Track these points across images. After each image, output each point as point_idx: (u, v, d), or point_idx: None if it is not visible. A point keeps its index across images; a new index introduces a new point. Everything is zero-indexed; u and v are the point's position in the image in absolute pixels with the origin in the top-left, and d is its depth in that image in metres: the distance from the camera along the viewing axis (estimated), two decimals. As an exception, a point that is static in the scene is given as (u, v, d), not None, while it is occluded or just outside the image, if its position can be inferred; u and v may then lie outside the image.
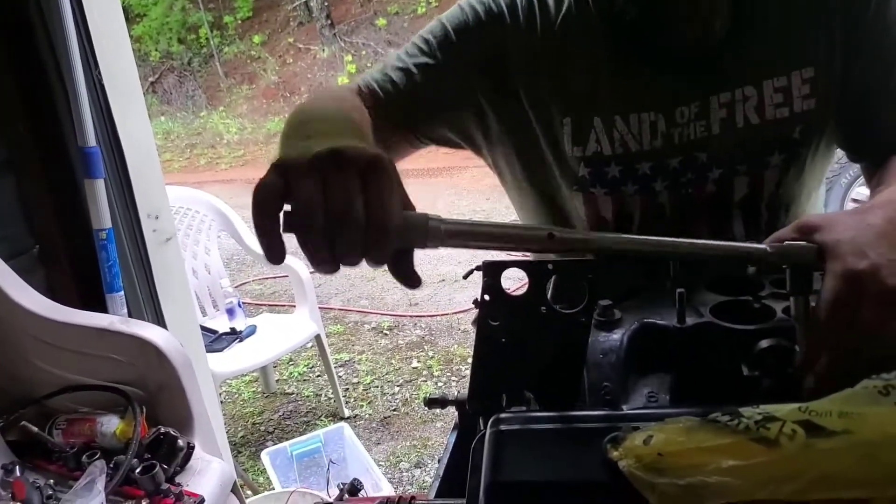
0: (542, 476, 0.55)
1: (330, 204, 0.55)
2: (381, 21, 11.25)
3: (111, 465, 1.06)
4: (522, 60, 0.96)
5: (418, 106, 0.98)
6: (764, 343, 0.65)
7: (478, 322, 0.68)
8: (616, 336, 0.70)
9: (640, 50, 0.91)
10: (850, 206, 3.58)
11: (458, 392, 0.88)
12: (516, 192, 1.08)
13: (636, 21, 0.89)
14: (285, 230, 0.57)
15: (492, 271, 0.65)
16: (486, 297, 0.66)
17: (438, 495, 0.81)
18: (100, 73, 1.56)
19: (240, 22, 12.61)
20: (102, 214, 1.55)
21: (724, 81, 0.91)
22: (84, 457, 1.09)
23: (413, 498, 0.77)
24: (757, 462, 0.47)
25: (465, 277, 0.70)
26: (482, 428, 0.65)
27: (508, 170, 1.05)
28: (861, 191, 3.51)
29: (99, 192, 1.54)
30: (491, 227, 0.60)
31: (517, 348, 0.67)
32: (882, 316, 0.59)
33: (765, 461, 0.47)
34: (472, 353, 0.69)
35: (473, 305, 0.69)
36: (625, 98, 0.93)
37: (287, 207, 0.57)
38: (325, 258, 0.57)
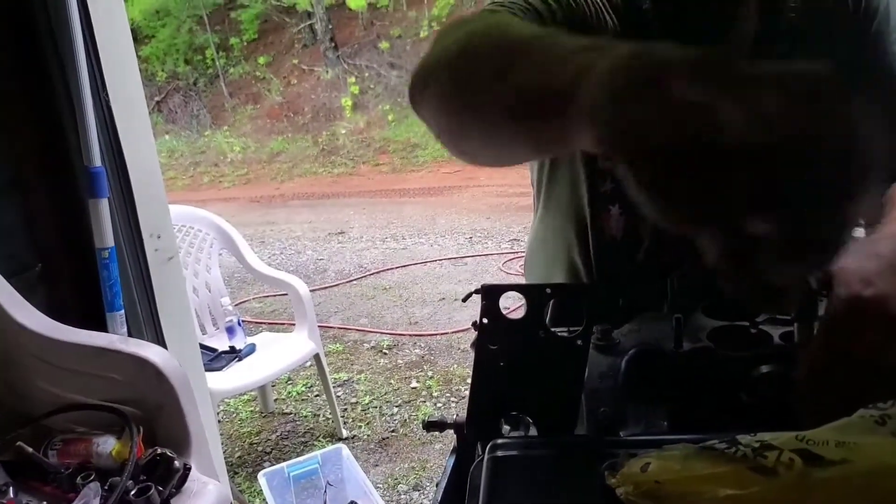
0: (539, 502, 0.55)
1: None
2: (385, 44, 11.36)
3: (106, 487, 1.05)
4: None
5: None
6: (761, 369, 0.65)
7: (476, 346, 0.68)
8: (614, 361, 0.70)
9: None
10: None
11: (457, 415, 0.88)
12: (547, 192, 1.09)
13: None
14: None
15: (490, 295, 0.66)
16: (485, 321, 0.66)
17: (436, 520, 0.80)
18: (107, 94, 1.57)
19: (245, 44, 12.73)
20: (105, 233, 1.55)
21: None
22: (79, 478, 1.08)
23: (410, 522, 0.77)
24: (754, 491, 0.47)
25: (464, 301, 0.70)
26: (480, 453, 0.65)
27: (549, 170, 1.06)
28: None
29: (103, 212, 1.55)
30: None
31: (515, 372, 0.67)
32: (884, 345, 0.59)
33: (762, 490, 0.47)
34: (470, 374, 0.69)
35: (473, 328, 0.69)
36: None
37: None
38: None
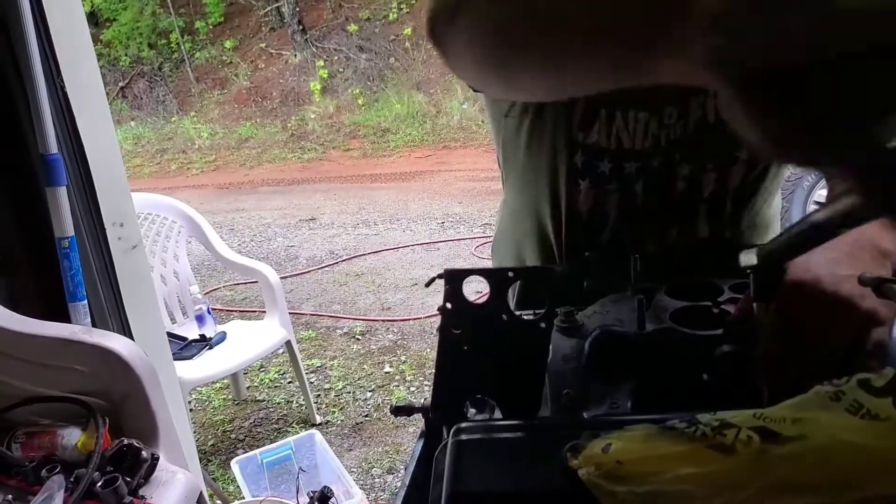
0: (503, 486, 0.55)
1: None
2: (353, 27, 11.24)
3: (72, 479, 1.03)
4: None
5: None
6: (723, 348, 0.66)
7: (440, 330, 0.68)
8: (577, 342, 0.70)
9: None
10: (812, 208, 3.65)
11: (425, 399, 0.88)
12: (514, 169, 1.07)
13: None
14: None
15: (453, 279, 0.65)
16: (448, 305, 0.66)
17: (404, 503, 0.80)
18: (62, 79, 1.53)
19: (211, 27, 12.50)
20: (65, 222, 1.52)
21: None
22: (44, 471, 1.06)
23: (378, 508, 0.77)
24: (713, 469, 0.48)
25: (427, 286, 0.69)
26: (445, 436, 0.65)
27: (515, 137, 1.03)
28: (823, 193, 3.58)
29: (61, 200, 1.51)
30: None
31: (479, 356, 0.67)
32: (823, 323, 0.62)
33: (721, 468, 0.48)
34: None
35: (438, 312, 0.69)
36: (628, 93, 0.93)
37: None
38: None
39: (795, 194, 3.64)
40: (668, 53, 0.36)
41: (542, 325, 0.65)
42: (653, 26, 0.37)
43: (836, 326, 0.62)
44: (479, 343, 0.66)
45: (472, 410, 0.70)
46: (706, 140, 0.93)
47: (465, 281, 0.69)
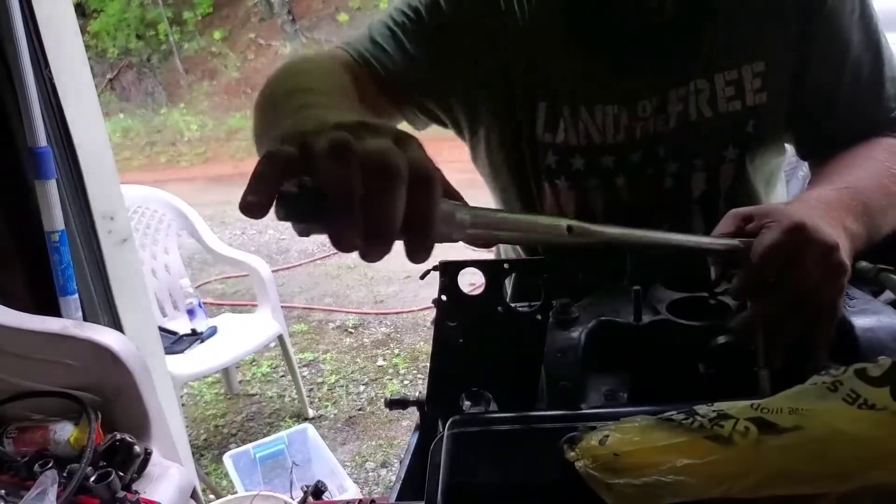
0: (500, 478, 0.55)
1: (373, 186, 0.45)
2: (343, 17, 11.17)
3: (65, 474, 1.03)
4: (508, 39, 0.94)
5: (410, 80, 0.93)
6: (719, 339, 0.66)
7: (435, 323, 0.67)
8: (573, 334, 0.70)
9: (601, 40, 0.92)
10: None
11: (420, 392, 0.88)
12: (492, 177, 1.07)
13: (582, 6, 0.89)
14: (290, 211, 0.46)
15: (448, 271, 0.65)
16: (443, 298, 0.65)
17: (399, 498, 0.80)
18: (50, 71, 1.51)
19: (200, 18, 12.40)
20: (55, 216, 1.51)
21: (680, 75, 0.91)
22: (36, 466, 1.06)
23: (373, 501, 0.77)
24: (711, 460, 0.48)
25: (421, 278, 0.69)
26: (441, 429, 0.65)
27: (487, 153, 1.03)
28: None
29: (51, 193, 1.50)
30: (515, 217, 0.55)
31: (475, 348, 0.66)
32: (818, 269, 0.63)
33: (718, 459, 0.48)
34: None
35: (433, 305, 0.68)
36: (590, 89, 0.93)
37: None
38: (350, 244, 0.46)
39: (791, 184, 3.65)
40: None
41: (539, 317, 0.64)
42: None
43: (833, 279, 0.63)
44: (475, 335, 0.66)
45: (468, 403, 0.70)
46: (690, 136, 0.93)
47: (459, 273, 0.68)
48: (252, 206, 0.45)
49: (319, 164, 0.45)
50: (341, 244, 0.46)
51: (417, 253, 0.49)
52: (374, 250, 0.47)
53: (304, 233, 0.47)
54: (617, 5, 0.89)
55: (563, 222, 0.55)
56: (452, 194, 0.52)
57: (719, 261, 0.69)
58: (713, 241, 0.68)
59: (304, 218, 0.46)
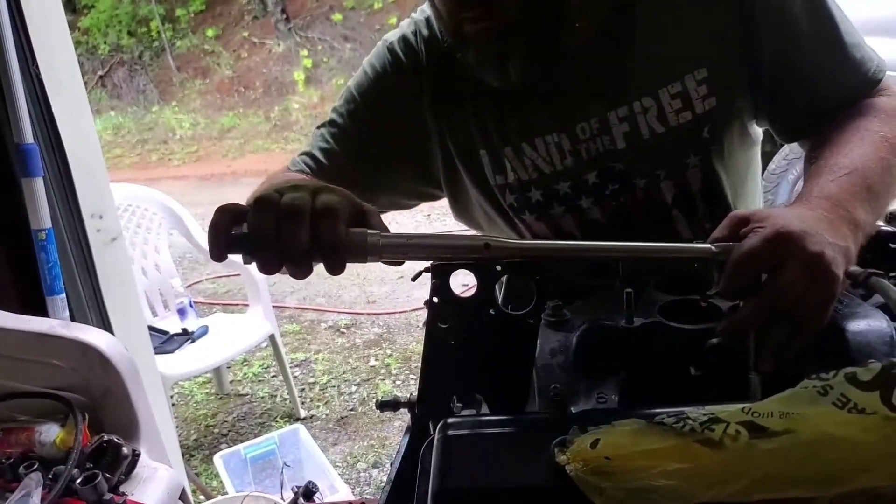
0: (491, 482, 0.54)
1: (282, 224, 0.63)
2: (337, 16, 11.15)
3: (50, 476, 1.02)
4: (433, 101, 0.97)
5: (354, 182, 0.90)
6: (710, 342, 0.66)
7: (427, 325, 0.67)
8: (565, 337, 0.69)
9: (520, 78, 0.87)
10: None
11: (411, 394, 0.87)
12: (471, 227, 1.11)
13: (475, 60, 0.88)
14: (234, 249, 0.65)
15: (440, 273, 0.65)
16: (435, 300, 0.65)
17: (390, 500, 0.80)
18: (37, 67, 1.50)
19: (192, 15, 12.35)
20: (42, 214, 1.49)
21: (619, 95, 0.91)
22: (21, 467, 1.04)
23: (363, 503, 0.76)
24: (701, 464, 0.48)
25: (413, 280, 0.69)
26: (432, 432, 0.64)
27: (457, 210, 1.09)
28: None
29: (38, 191, 1.49)
30: (430, 238, 0.65)
31: (466, 350, 0.66)
32: (802, 280, 0.61)
33: (709, 463, 0.48)
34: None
35: (425, 306, 0.68)
36: (525, 124, 0.94)
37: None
38: (273, 269, 0.67)
39: (780, 187, 3.66)
40: None
41: (530, 319, 0.64)
42: None
43: (819, 288, 0.62)
44: (467, 337, 0.66)
45: (459, 405, 0.70)
46: (646, 153, 0.92)
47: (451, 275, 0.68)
48: (214, 254, 0.65)
49: (250, 213, 0.65)
50: (264, 268, 0.66)
51: (332, 270, 0.67)
52: (294, 271, 0.67)
53: (246, 261, 0.66)
54: (523, 42, 0.85)
55: (481, 240, 0.64)
56: (374, 225, 0.67)
57: (695, 265, 0.68)
58: (682, 247, 0.67)
59: (243, 251, 0.65)
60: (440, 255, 0.65)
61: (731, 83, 0.90)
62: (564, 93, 0.91)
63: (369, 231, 0.65)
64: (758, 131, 1.01)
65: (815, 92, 0.90)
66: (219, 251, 0.64)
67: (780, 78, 0.90)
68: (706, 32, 0.89)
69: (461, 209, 1.07)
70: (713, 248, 0.64)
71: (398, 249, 0.64)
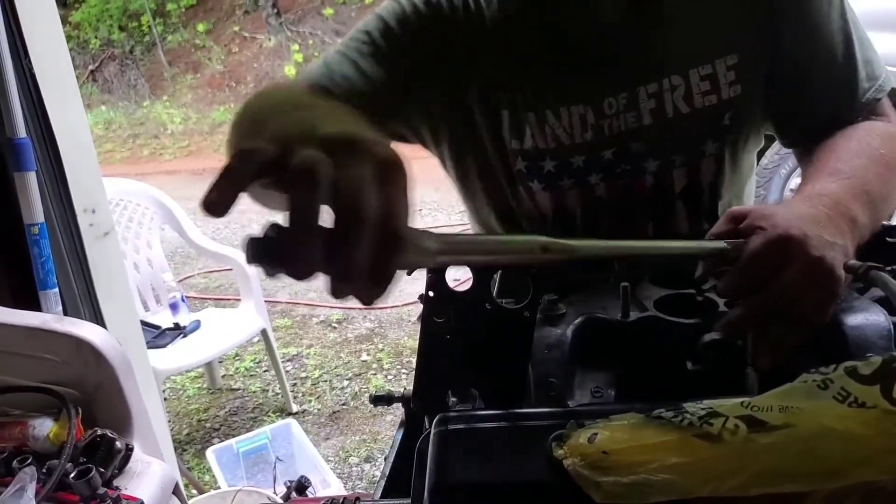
0: (487, 476, 0.54)
1: (340, 204, 0.42)
2: (329, 10, 11.10)
3: (44, 470, 1.01)
4: (462, 52, 0.94)
5: (371, 102, 0.90)
6: (707, 337, 0.66)
7: (422, 319, 0.67)
8: (561, 331, 0.69)
9: (562, 42, 0.92)
10: (788, 196, 3.68)
11: (405, 388, 0.87)
12: (462, 186, 1.07)
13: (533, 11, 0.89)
14: (261, 259, 0.42)
15: (436, 268, 0.64)
16: (431, 294, 0.65)
17: (384, 495, 0.80)
18: (30, 61, 1.49)
19: (183, 10, 12.28)
20: (34, 208, 1.48)
21: (650, 72, 0.91)
22: (15, 462, 1.04)
23: (358, 498, 0.76)
24: (700, 458, 0.48)
25: (409, 273, 0.68)
26: (427, 426, 0.64)
27: (454, 164, 1.04)
28: (798, 182, 3.59)
29: (30, 186, 1.48)
30: (486, 239, 0.54)
31: (462, 345, 0.66)
32: (803, 282, 0.62)
33: (708, 457, 0.48)
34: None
35: (420, 301, 0.68)
36: (554, 92, 0.93)
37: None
38: (310, 269, 0.42)
39: (772, 182, 3.67)
40: None
41: (526, 313, 0.64)
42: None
43: (819, 290, 0.63)
44: (462, 332, 0.66)
45: (454, 400, 0.70)
46: (668, 132, 0.93)
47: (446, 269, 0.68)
48: (214, 205, 0.42)
49: (288, 181, 0.41)
50: (296, 277, 0.42)
51: (370, 297, 0.44)
52: (334, 289, 0.43)
53: (270, 274, 0.43)
54: (578, 6, 0.89)
55: (538, 241, 0.52)
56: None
57: (708, 263, 0.69)
58: (701, 244, 0.67)
59: (269, 265, 0.42)
60: (496, 259, 0.54)
61: (756, 74, 0.91)
62: (596, 65, 0.91)
63: (423, 231, 0.47)
64: (763, 135, 1.02)
65: (820, 103, 0.92)
66: (223, 208, 0.42)
67: (792, 80, 0.92)
68: (740, 21, 0.90)
69: (457, 162, 1.03)
70: (727, 245, 0.65)
71: (457, 252, 0.49)
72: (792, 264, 0.62)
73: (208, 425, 3.19)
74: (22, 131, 1.45)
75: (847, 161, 0.80)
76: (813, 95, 0.92)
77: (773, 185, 3.67)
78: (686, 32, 0.90)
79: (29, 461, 1.02)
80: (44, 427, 1.10)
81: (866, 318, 0.63)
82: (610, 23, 0.90)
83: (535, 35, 0.93)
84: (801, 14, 0.89)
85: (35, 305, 1.51)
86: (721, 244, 0.65)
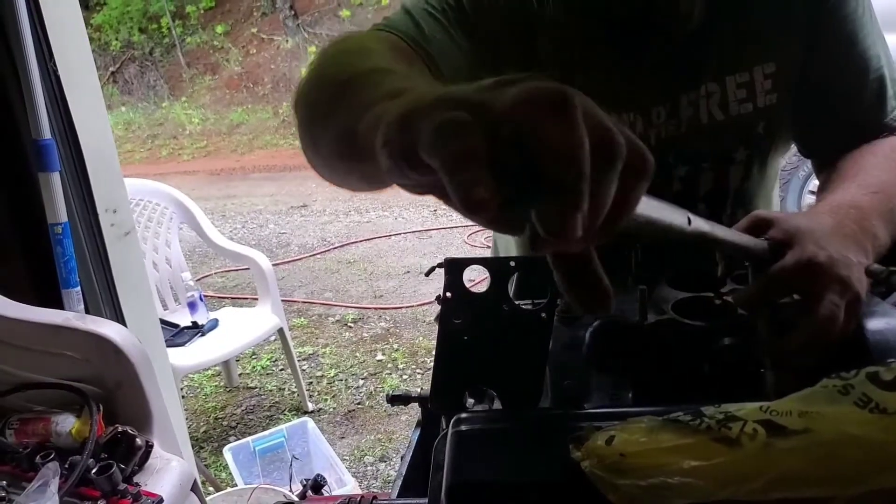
0: (504, 477, 0.55)
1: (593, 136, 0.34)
2: (346, 12, 11.14)
3: (66, 466, 1.03)
4: (538, 41, 0.91)
5: (461, 67, 0.83)
6: (724, 340, 0.66)
7: (440, 320, 0.67)
8: (578, 333, 0.69)
9: (619, 47, 0.91)
10: (807, 197, 3.65)
11: (421, 388, 0.88)
12: None
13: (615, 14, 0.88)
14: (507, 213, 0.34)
15: (454, 269, 0.65)
16: (448, 295, 0.65)
17: (401, 494, 0.80)
18: (55, 63, 1.51)
19: (202, 12, 12.38)
20: (58, 208, 1.51)
21: (690, 79, 0.91)
22: (38, 457, 1.06)
23: (375, 497, 0.76)
24: (718, 462, 0.48)
25: (427, 275, 0.69)
26: (444, 427, 0.65)
27: None
28: (817, 184, 3.56)
29: (54, 186, 1.50)
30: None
31: (479, 346, 0.66)
32: (827, 298, 0.62)
33: (726, 461, 0.47)
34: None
35: (436, 302, 0.68)
36: (608, 97, 0.92)
37: None
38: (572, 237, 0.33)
39: (791, 184, 3.65)
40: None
41: (543, 315, 0.64)
42: (368, 156, 0.41)
43: (846, 310, 0.63)
44: (480, 333, 0.66)
45: (471, 401, 0.70)
46: (700, 140, 0.92)
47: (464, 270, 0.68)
48: (483, 200, 0.31)
49: (538, 122, 0.33)
50: (565, 236, 0.33)
51: (603, 235, 0.37)
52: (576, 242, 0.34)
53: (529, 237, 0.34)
54: (642, 14, 0.88)
55: (684, 215, 0.47)
56: None
57: (732, 259, 0.69)
58: (752, 239, 0.67)
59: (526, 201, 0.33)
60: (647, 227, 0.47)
61: (791, 84, 0.91)
62: (648, 73, 0.91)
63: None
64: (790, 144, 1.01)
65: (847, 116, 0.92)
66: (491, 197, 0.32)
67: (822, 91, 0.92)
68: (780, 29, 0.90)
69: None
70: (767, 245, 0.65)
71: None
72: (817, 285, 0.63)
73: (225, 423, 3.22)
74: (46, 132, 1.48)
75: (875, 175, 0.80)
76: (842, 108, 0.91)
77: (791, 187, 3.64)
78: (725, 39, 0.90)
79: (52, 457, 1.04)
80: (66, 423, 1.11)
81: (888, 322, 0.63)
82: (664, 30, 0.88)
83: (595, 35, 0.91)
84: (839, 26, 0.89)
85: (58, 304, 1.53)
86: (763, 244, 0.66)
